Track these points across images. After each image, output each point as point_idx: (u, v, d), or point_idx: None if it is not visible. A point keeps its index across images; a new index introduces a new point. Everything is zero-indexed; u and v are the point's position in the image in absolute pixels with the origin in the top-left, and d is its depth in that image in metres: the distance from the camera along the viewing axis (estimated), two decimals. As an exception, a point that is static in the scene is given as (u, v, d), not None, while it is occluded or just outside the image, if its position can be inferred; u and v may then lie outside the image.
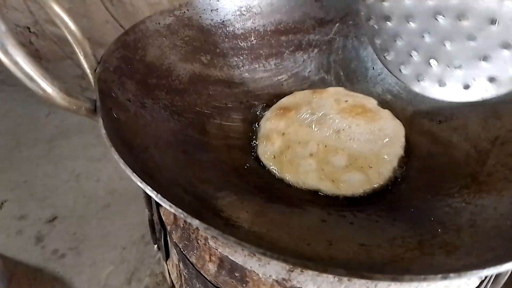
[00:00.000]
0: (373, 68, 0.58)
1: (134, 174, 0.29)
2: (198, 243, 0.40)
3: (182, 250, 0.41)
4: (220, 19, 0.57)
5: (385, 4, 0.38)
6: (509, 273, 0.39)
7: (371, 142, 0.48)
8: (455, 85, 0.40)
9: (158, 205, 0.45)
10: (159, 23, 0.52)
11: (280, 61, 0.60)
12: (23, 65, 0.30)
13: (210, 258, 0.39)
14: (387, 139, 0.49)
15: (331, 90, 0.55)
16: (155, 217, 0.46)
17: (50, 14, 0.41)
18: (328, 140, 0.48)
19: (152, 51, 0.49)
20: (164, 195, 0.28)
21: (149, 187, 0.29)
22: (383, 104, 0.54)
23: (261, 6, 0.59)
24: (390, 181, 0.46)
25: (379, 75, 0.58)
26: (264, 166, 0.48)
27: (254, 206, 0.41)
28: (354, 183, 0.44)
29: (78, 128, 1.22)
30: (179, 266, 0.46)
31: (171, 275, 0.52)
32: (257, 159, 0.49)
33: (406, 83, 0.42)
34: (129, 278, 0.85)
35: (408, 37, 0.39)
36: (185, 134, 0.47)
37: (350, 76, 0.59)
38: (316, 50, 0.60)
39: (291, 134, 0.49)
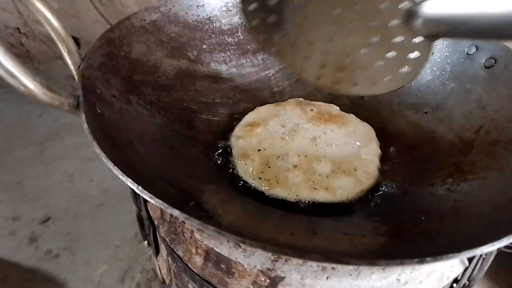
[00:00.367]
0: (360, 61, 0.58)
1: (115, 167, 0.30)
2: (184, 236, 0.40)
3: (169, 244, 0.42)
4: (207, 15, 0.58)
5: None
6: (491, 259, 0.39)
7: (349, 145, 0.48)
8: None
9: (145, 200, 0.45)
10: (144, 20, 0.52)
11: (268, 56, 0.60)
12: (3, 61, 0.30)
13: (196, 250, 0.39)
14: (363, 140, 0.49)
15: (292, 101, 0.55)
16: (143, 213, 0.46)
17: (34, 12, 0.41)
18: (307, 149, 0.48)
19: (137, 48, 0.49)
20: (145, 187, 0.28)
21: (130, 179, 0.29)
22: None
23: (248, 2, 0.59)
24: (377, 179, 0.46)
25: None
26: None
27: (239, 200, 0.42)
28: (347, 188, 0.44)
29: (71, 129, 1.22)
30: (168, 261, 0.46)
31: (161, 271, 0.52)
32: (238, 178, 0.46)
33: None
34: (123, 276, 0.85)
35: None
36: (172, 129, 0.47)
37: (337, 70, 0.59)
38: (303, 44, 0.60)
39: (267, 149, 0.48)
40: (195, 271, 0.40)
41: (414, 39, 0.33)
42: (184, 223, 0.40)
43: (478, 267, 0.41)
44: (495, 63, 0.47)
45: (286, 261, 0.36)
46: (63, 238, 0.93)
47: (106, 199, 1.03)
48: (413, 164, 0.46)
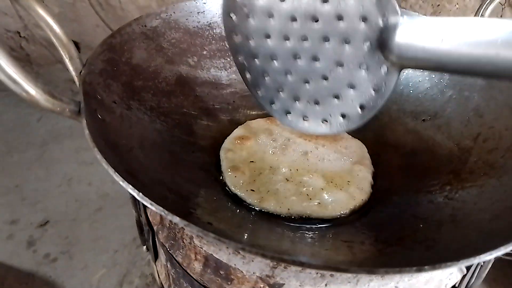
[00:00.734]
0: (359, 68, 0.59)
1: (116, 173, 0.30)
2: (183, 242, 0.40)
3: (168, 249, 0.42)
4: (207, 21, 0.58)
5: (251, 43, 0.40)
6: (489, 266, 0.39)
7: (341, 160, 0.48)
8: (316, 120, 0.42)
9: (144, 205, 0.45)
10: (145, 26, 0.52)
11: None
12: (5, 67, 0.30)
13: (195, 257, 0.39)
14: (355, 157, 0.49)
15: None
16: (143, 218, 0.46)
17: (35, 17, 0.41)
18: (298, 163, 0.47)
19: (138, 54, 0.50)
20: (145, 194, 0.28)
21: (131, 186, 0.29)
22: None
23: (248, 8, 0.60)
24: (369, 195, 0.46)
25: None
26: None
27: (240, 206, 0.42)
28: (340, 203, 0.43)
29: (70, 132, 1.22)
30: (167, 266, 0.46)
31: (160, 276, 0.52)
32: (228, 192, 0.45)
33: (277, 117, 0.44)
34: (121, 280, 0.85)
35: (274, 75, 0.41)
36: (172, 134, 0.47)
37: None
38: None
39: (257, 162, 0.47)
40: (194, 277, 0.40)
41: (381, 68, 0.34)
42: (184, 229, 0.40)
43: (476, 274, 0.41)
44: (493, 71, 0.47)
45: (285, 268, 0.36)
46: (61, 242, 0.93)
47: (105, 203, 1.03)
48: (411, 171, 0.46)
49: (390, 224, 0.40)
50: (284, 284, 0.35)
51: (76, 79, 0.41)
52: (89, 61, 0.42)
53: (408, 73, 0.55)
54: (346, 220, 0.42)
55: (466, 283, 0.41)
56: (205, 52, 0.57)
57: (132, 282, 0.84)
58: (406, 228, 0.37)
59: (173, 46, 0.54)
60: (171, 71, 0.53)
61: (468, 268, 0.40)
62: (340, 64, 0.37)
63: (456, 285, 0.41)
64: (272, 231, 0.38)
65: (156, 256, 0.50)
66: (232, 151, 0.49)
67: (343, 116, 0.40)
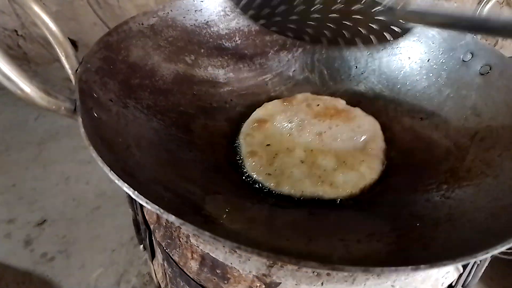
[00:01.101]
0: (356, 67, 0.59)
1: (111, 172, 0.30)
2: (180, 241, 0.40)
3: (165, 248, 0.42)
4: (204, 20, 0.58)
5: None
6: (486, 265, 0.39)
7: (354, 140, 0.49)
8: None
9: (141, 204, 0.45)
10: (142, 24, 0.52)
11: (265, 61, 0.60)
12: (1, 66, 0.30)
13: (192, 255, 0.39)
14: (368, 134, 0.49)
15: (299, 96, 0.56)
16: (139, 217, 0.46)
17: (32, 16, 0.41)
18: (313, 144, 0.48)
19: (135, 52, 0.49)
20: (141, 192, 0.28)
21: (126, 184, 0.29)
22: (367, 101, 0.55)
23: (246, 7, 0.59)
24: (380, 174, 0.46)
25: (362, 73, 0.58)
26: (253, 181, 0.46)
27: (236, 204, 0.42)
28: (351, 182, 0.44)
29: (68, 131, 1.22)
30: (164, 265, 0.46)
31: (157, 275, 0.52)
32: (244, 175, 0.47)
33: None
34: (118, 279, 0.85)
35: None
36: (169, 133, 0.47)
37: (334, 75, 0.60)
38: (300, 49, 0.61)
39: (274, 144, 0.49)
40: (190, 276, 0.40)
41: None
42: (180, 228, 0.40)
43: (472, 273, 0.41)
44: (490, 70, 0.47)
45: (281, 266, 0.36)
46: (58, 241, 0.93)
47: (102, 202, 1.03)
48: (409, 170, 0.46)
49: (387, 223, 0.40)
50: (280, 283, 0.35)
51: (72, 77, 0.41)
52: (85, 59, 0.42)
53: (406, 72, 0.55)
54: (349, 211, 0.43)
55: (462, 282, 0.41)
56: (202, 51, 0.57)
57: (130, 281, 0.84)
58: (403, 227, 0.37)
59: (170, 44, 0.54)
60: (168, 69, 0.53)
61: (464, 267, 0.40)
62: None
63: (453, 284, 0.41)
64: (267, 228, 0.38)
65: (153, 255, 0.50)
66: (250, 135, 0.51)
67: None
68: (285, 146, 0.48)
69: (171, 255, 0.41)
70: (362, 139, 0.49)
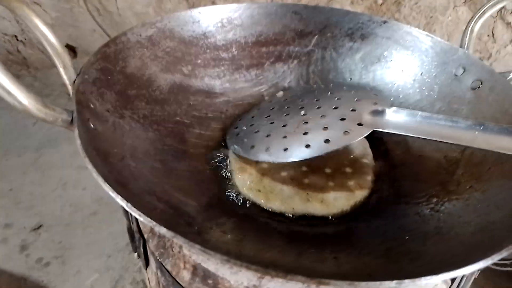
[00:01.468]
0: (351, 79, 0.59)
1: (105, 183, 0.30)
2: (173, 251, 0.40)
3: (158, 258, 0.42)
4: (202, 31, 0.58)
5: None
6: (473, 278, 0.40)
7: (343, 156, 0.50)
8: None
9: (136, 213, 0.46)
10: (140, 35, 0.52)
11: (261, 72, 0.61)
12: (1, 80, 0.31)
13: (184, 265, 0.40)
14: (357, 152, 0.50)
15: None
16: (134, 226, 0.47)
17: (30, 26, 0.41)
18: (302, 161, 0.48)
19: (133, 62, 0.50)
20: (134, 204, 0.29)
21: (120, 196, 0.29)
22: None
23: (242, 18, 0.60)
24: (370, 191, 0.47)
25: (356, 85, 0.59)
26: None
27: (229, 215, 0.42)
28: (341, 200, 0.45)
29: (66, 137, 1.23)
30: (157, 274, 0.47)
31: (150, 283, 0.53)
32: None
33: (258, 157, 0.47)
34: (114, 286, 0.85)
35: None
36: (164, 143, 0.47)
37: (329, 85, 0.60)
38: (295, 61, 0.62)
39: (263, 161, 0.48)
40: (183, 286, 0.40)
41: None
42: (173, 238, 0.41)
43: (461, 285, 0.41)
44: (481, 85, 0.48)
45: (272, 278, 0.36)
46: (54, 247, 0.94)
47: (99, 208, 1.03)
48: (400, 183, 0.47)
49: (377, 235, 0.40)
50: (271, 294, 0.36)
51: (69, 88, 0.41)
52: (83, 70, 0.43)
53: (399, 85, 0.56)
54: (340, 225, 0.43)
55: (451, 294, 0.41)
56: (199, 61, 0.58)
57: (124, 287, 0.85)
58: (392, 240, 0.38)
59: (168, 55, 0.55)
60: (165, 79, 0.54)
61: (452, 279, 0.40)
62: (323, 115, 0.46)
63: (442, 296, 0.41)
64: (260, 240, 0.38)
65: (147, 264, 0.51)
66: None
67: (307, 146, 0.43)
68: (274, 163, 0.48)
69: (164, 264, 0.42)
70: (350, 156, 0.50)
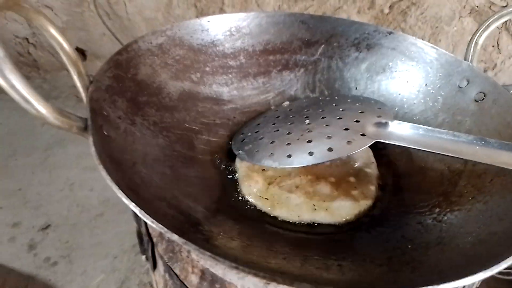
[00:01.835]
0: (356, 88, 0.60)
1: (119, 190, 0.31)
2: (181, 255, 0.42)
3: (167, 261, 0.43)
4: (211, 39, 0.60)
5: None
6: (475, 286, 0.41)
7: (347, 165, 0.51)
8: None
9: (145, 217, 0.47)
10: (151, 43, 0.54)
11: (268, 80, 0.62)
12: (19, 88, 0.32)
13: (192, 270, 0.41)
14: (361, 161, 0.51)
15: None
16: (143, 229, 0.48)
17: (47, 36, 0.43)
18: (307, 169, 0.50)
19: (143, 70, 0.51)
20: (147, 211, 0.30)
21: (133, 203, 0.31)
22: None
23: (250, 27, 0.62)
24: (374, 201, 0.48)
25: (361, 95, 0.60)
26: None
27: (236, 221, 0.43)
28: (346, 209, 0.46)
29: (73, 138, 1.23)
30: (165, 277, 0.48)
31: (158, 286, 0.54)
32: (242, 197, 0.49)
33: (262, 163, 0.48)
34: (120, 287, 0.86)
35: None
36: (173, 149, 0.49)
37: (334, 95, 0.62)
38: (302, 69, 0.63)
39: (269, 169, 0.50)
40: (190, 289, 0.42)
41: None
42: (182, 242, 0.42)
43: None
44: (484, 97, 0.49)
45: (278, 284, 0.37)
46: (61, 246, 0.95)
47: (106, 209, 1.05)
48: (403, 192, 0.48)
49: (380, 244, 0.41)
50: (276, 299, 0.37)
51: (83, 95, 0.43)
52: (97, 78, 0.44)
53: (404, 95, 0.57)
54: (344, 233, 0.44)
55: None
56: (207, 69, 0.59)
57: (131, 289, 0.86)
58: (395, 249, 0.39)
59: (177, 63, 0.56)
60: (174, 86, 0.55)
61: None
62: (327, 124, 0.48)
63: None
64: (266, 246, 0.39)
65: (154, 266, 0.52)
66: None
67: (311, 153, 0.45)
68: (280, 171, 0.50)
69: (172, 268, 0.43)
70: (355, 165, 0.51)
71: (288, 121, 0.52)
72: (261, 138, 0.50)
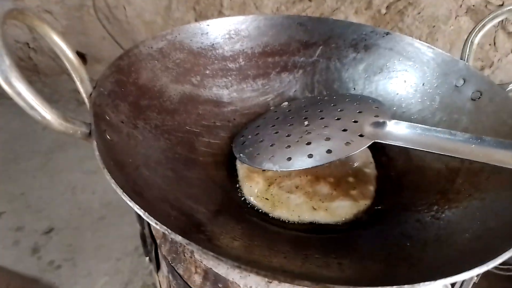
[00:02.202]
0: (354, 89, 0.61)
1: (124, 194, 0.32)
2: (184, 256, 0.42)
3: (170, 262, 0.44)
4: (210, 42, 0.61)
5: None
6: (472, 282, 0.42)
7: (347, 165, 0.52)
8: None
9: (148, 219, 0.48)
10: (151, 47, 0.55)
11: (267, 82, 0.63)
12: (25, 95, 0.33)
13: (196, 270, 0.42)
14: (360, 161, 0.52)
15: None
16: (146, 231, 0.49)
17: (50, 43, 0.44)
18: (307, 170, 0.50)
19: (144, 74, 0.52)
20: (151, 213, 0.31)
21: (137, 206, 0.31)
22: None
23: (249, 30, 0.62)
24: (373, 200, 0.49)
25: (359, 96, 0.61)
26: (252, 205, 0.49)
27: (238, 221, 0.44)
28: (344, 209, 0.47)
29: (75, 141, 1.24)
30: (169, 278, 0.49)
31: (161, 287, 0.55)
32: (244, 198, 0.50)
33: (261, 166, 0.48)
34: (123, 289, 0.87)
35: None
36: (174, 152, 0.49)
37: (333, 95, 0.62)
38: (301, 71, 0.64)
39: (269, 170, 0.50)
40: (194, 289, 0.43)
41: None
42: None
43: (461, 289, 0.43)
44: (480, 96, 0.50)
45: (279, 282, 0.38)
46: (65, 250, 0.96)
47: (108, 212, 1.06)
48: (402, 191, 0.49)
49: (379, 241, 0.42)
50: (278, 297, 0.38)
51: (86, 101, 0.43)
52: (99, 83, 0.45)
53: (401, 95, 0.58)
54: (344, 231, 0.45)
55: (451, 299, 0.43)
56: (207, 72, 0.60)
57: (134, 290, 0.87)
58: (393, 246, 0.40)
59: (178, 66, 0.57)
60: (175, 90, 0.56)
61: (452, 284, 0.42)
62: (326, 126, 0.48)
63: (442, 300, 0.43)
64: (267, 246, 0.40)
65: (158, 267, 0.53)
66: None
67: (310, 155, 0.45)
68: (280, 172, 0.50)
69: (176, 268, 0.44)
70: (354, 165, 0.52)
71: (288, 122, 0.53)
72: (261, 141, 0.51)
